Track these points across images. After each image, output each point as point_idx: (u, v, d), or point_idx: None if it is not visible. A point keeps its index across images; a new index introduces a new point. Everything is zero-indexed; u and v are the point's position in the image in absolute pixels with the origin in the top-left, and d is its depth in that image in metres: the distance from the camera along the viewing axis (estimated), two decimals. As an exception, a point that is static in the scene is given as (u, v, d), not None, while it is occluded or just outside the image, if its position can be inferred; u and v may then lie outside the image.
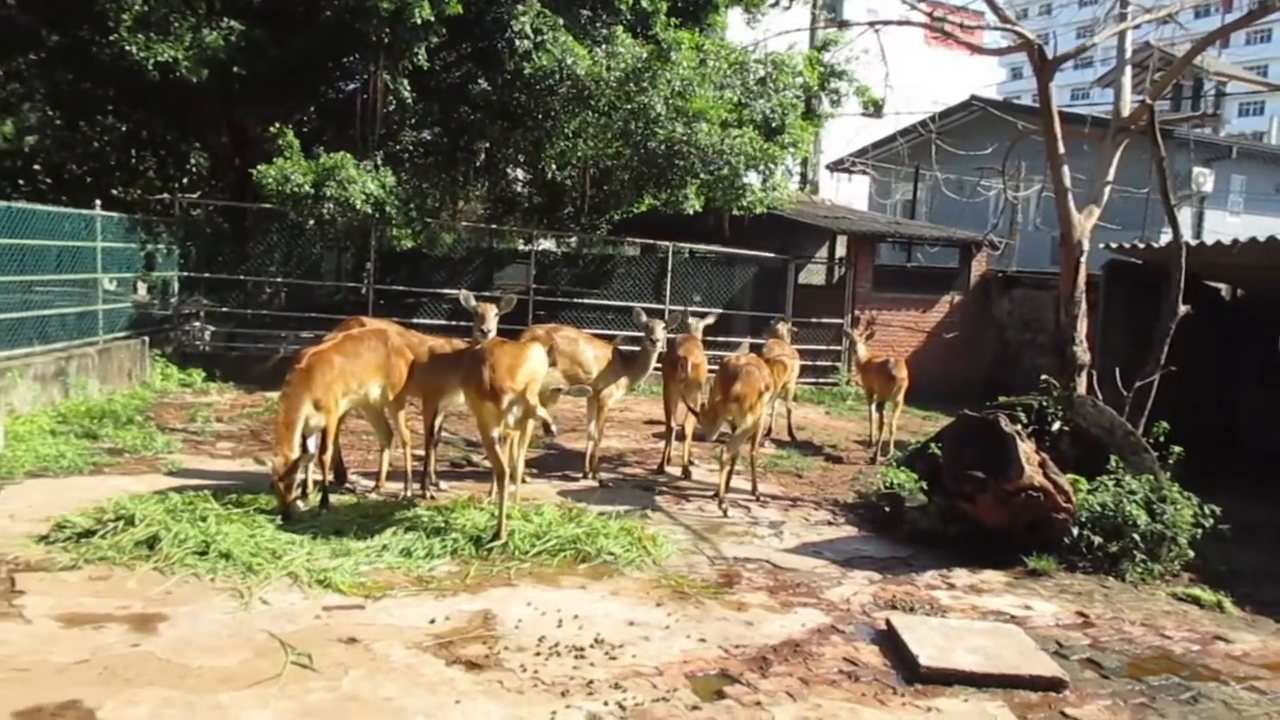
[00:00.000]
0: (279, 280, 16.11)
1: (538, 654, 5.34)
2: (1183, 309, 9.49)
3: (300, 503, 7.59)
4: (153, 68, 13.27)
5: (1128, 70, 10.72)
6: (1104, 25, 11.32)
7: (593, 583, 6.62)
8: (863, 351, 12.65)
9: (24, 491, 7.85)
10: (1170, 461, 8.30)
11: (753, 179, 16.12)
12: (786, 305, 17.93)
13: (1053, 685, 5.39)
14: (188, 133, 18.18)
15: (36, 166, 18.73)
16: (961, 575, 7.44)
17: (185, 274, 15.16)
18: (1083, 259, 9.95)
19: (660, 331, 9.73)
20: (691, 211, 16.04)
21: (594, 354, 9.69)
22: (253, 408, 12.33)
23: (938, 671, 5.40)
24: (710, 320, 11.08)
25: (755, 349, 11.13)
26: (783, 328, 13.14)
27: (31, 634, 5.17)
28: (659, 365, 10.40)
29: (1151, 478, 8.14)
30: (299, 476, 7.40)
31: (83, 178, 18.20)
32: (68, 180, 18.12)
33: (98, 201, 13.06)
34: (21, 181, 18.30)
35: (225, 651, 5.12)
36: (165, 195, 17.13)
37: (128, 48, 13.15)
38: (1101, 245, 13.11)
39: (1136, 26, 11.00)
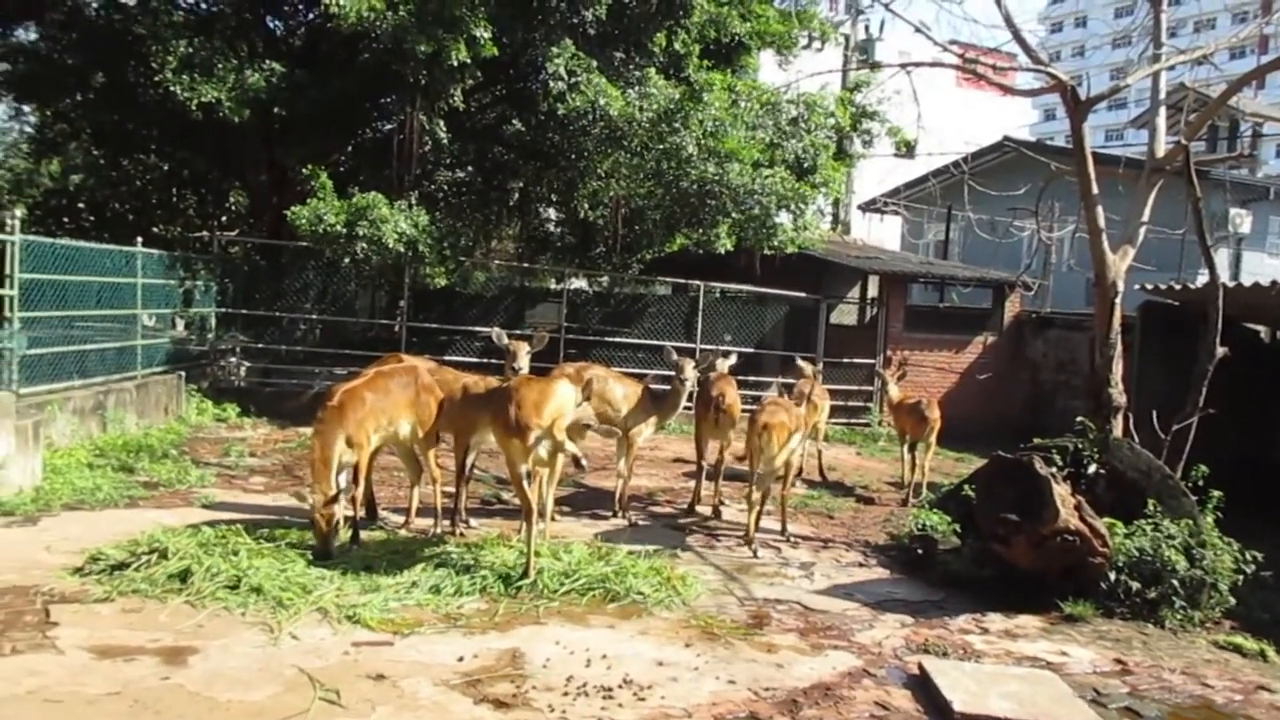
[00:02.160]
0: (314, 317, 16.30)
1: (566, 694, 5.31)
2: (1220, 351, 9.37)
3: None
4: (196, 108, 13.57)
5: (1162, 111, 10.68)
6: (1138, 66, 11.29)
7: (621, 622, 6.58)
8: (894, 392, 12.58)
9: (60, 523, 7.94)
10: (1209, 505, 8.15)
11: (784, 219, 16.16)
12: (818, 345, 17.90)
13: (1090, 734, 5.28)
14: (228, 172, 18.53)
15: (80, 204, 19.16)
16: (995, 619, 7.33)
17: (222, 310, 15.38)
18: (1118, 300, 9.87)
19: (690, 371, 9.72)
20: (723, 251, 16.09)
21: (623, 392, 9.71)
22: (286, 443, 12.43)
23: (971, 718, 5.31)
24: (733, 360, 11.04)
25: (786, 388, 11.06)
26: (809, 367, 13.05)
27: (64, 665, 5.21)
28: (689, 404, 10.38)
29: (1190, 522, 7.99)
30: (339, 514, 7.42)
31: (125, 215, 18.57)
32: (110, 218, 18.50)
33: (139, 239, 13.31)
34: (66, 219, 18.72)
35: (254, 686, 5.13)
36: (204, 233, 17.44)
37: (172, 88, 13.46)
38: (1137, 286, 13.00)
39: (1171, 68, 10.97)
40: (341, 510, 7.38)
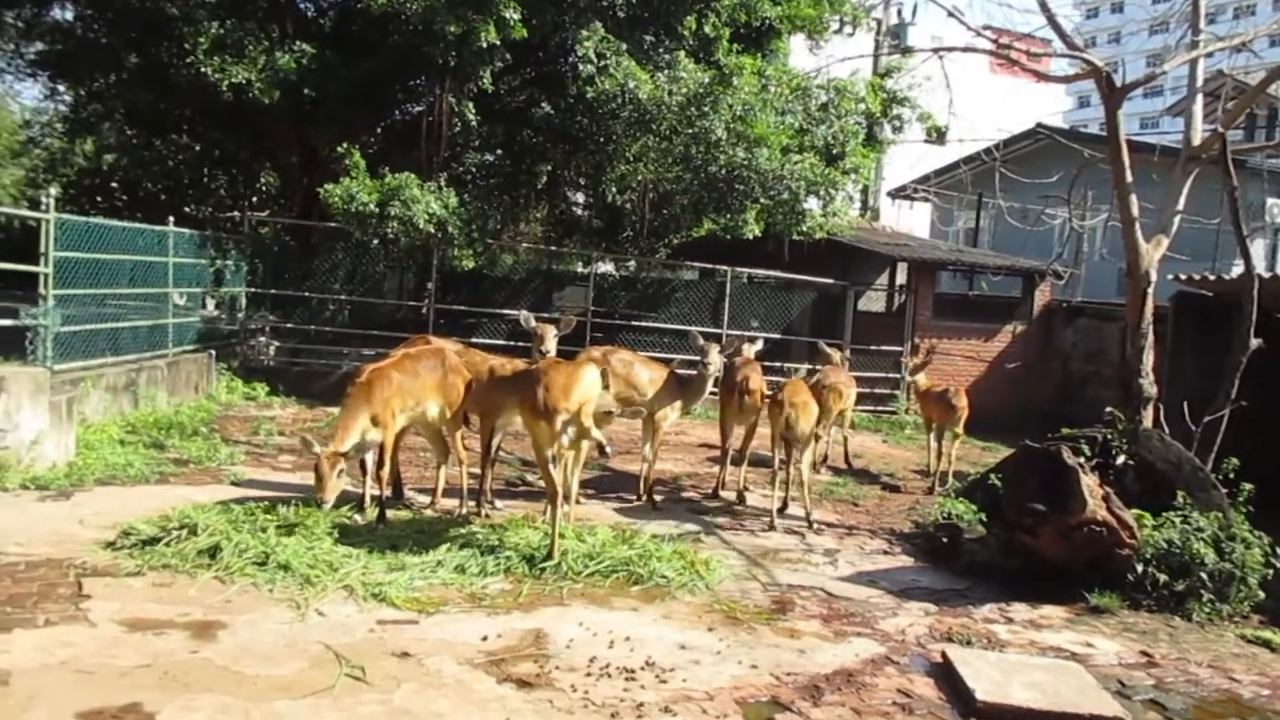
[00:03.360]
0: (342, 298, 16.40)
1: (588, 674, 5.34)
2: (1255, 342, 9.24)
3: (358, 516, 7.77)
4: (227, 89, 13.68)
5: (1199, 99, 10.52)
6: (1175, 53, 11.10)
7: (645, 605, 6.60)
8: (922, 380, 12.51)
9: (93, 498, 8.06)
10: (1240, 499, 8.05)
11: (813, 204, 16.07)
12: (845, 332, 17.83)
13: (1114, 725, 5.25)
14: (259, 152, 18.65)
15: (114, 184, 19.38)
16: (1020, 609, 7.30)
17: (252, 290, 15.52)
18: (1150, 290, 9.76)
19: (715, 357, 9.67)
20: (751, 236, 16.03)
21: (649, 376, 9.69)
22: (314, 422, 12.54)
23: (994, 707, 5.29)
24: (760, 345, 11.01)
25: (813, 374, 11.03)
26: (836, 353, 13.00)
27: (96, 637, 5.30)
28: (715, 390, 10.37)
29: (1220, 515, 7.91)
30: (343, 467, 7.33)
31: (157, 195, 18.79)
32: (143, 197, 18.71)
33: (171, 218, 13.43)
34: (99, 198, 18.93)
35: (281, 661, 5.19)
36: (235, 213, 17.59)
37: (204, 69, 13.57)
38: (1170, 276, 12.82)
39: (1209, 54, 10.80)
40: (344, 465, 7.30)
